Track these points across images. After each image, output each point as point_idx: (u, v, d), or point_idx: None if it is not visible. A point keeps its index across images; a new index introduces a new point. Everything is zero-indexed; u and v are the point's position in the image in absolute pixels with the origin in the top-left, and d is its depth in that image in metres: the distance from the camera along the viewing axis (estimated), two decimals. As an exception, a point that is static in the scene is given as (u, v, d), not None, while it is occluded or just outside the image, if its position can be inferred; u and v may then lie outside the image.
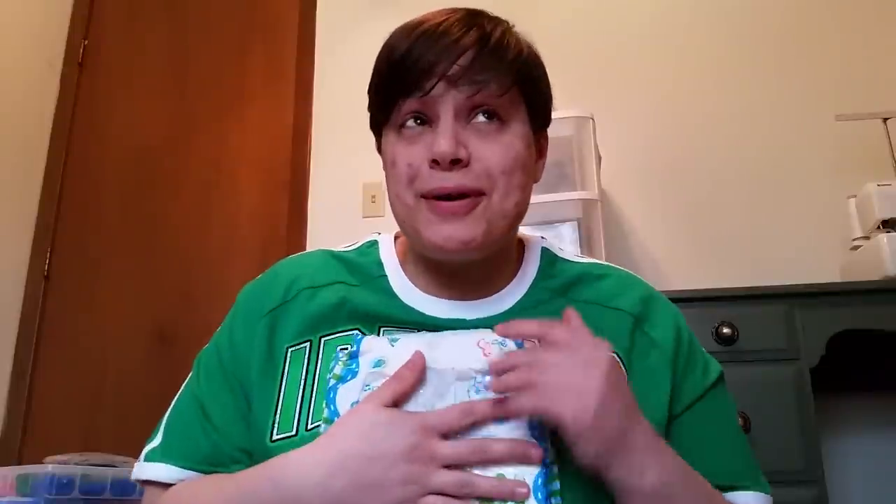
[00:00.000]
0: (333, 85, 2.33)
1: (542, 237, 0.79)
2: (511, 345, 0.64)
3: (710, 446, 0.68)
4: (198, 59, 2.44)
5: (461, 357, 0.63)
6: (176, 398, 0.75)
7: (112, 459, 1.37)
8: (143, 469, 0.71)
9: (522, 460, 0.58)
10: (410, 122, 0.67)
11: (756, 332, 1.44)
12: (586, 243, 1.72)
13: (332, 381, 0.64)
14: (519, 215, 0.69)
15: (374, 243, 0.78)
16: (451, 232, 0.65)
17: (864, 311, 1.45)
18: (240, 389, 0.71)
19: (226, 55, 2.42)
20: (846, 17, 2.10)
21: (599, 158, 1.79)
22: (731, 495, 0.67)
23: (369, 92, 0.72)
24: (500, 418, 0.59)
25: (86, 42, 2.55)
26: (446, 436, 0.59)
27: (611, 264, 0.78)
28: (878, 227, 1.65)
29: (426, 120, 0.67)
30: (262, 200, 2.25)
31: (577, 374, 0.58)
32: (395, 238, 0.79)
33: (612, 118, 2.00)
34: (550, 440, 0.60)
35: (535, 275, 0.74)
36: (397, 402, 0.60)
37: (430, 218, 0.66)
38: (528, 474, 0.58)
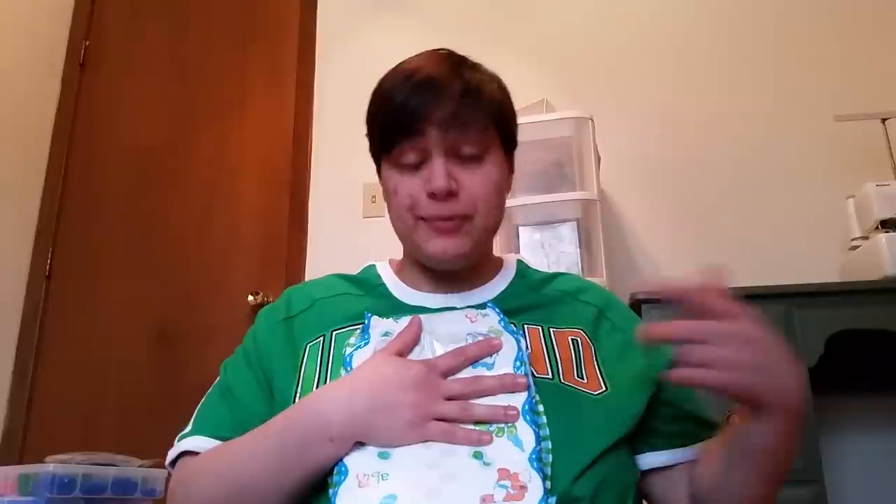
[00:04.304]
0: (334, 85, 2.34)
1: (518, 254, 0.95)
2: (492, 314, 0.77)
3: (686, 398, 0.81)
4: (199, 59, 2.45)
5: (453, 325, 0.76)
6: (204, 397, 0.84)
7: (113, 459, 1.37)
8: (174, 449, 0.78)
9: (511, 389, 0.68)
10: (408, 160, 0.79)
11: (755, 331, 1.44)
12: (585, 243, 1.72)
13: (349, 350, 0.75)
14: (497, 227, 0.85)
15: (372, 265, 0.93)
16: (446, 246, 0.79)
17: (863, 310, 1.45)
18: (262, 375, 0.80)
19: (227, 55, 2.43)
20: (845, 17, 2.10)
21: (599, 159, 1.80)
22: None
23: (368, 129, 0.84)
24: (489, 363, 0.70)
25: (87, 42, 2.56)
26: (446, 376, 0.70)
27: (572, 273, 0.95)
28: (877, 227, 1.65)
29: (420, 156, 0.79)
30: (262, 200, 2.25)
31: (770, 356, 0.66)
32: (389, 262, 0.92)
33: (611, 118, 2.00)
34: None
35: (513, 275, 0.89)
36: (401, 355, 0.71)
37: (429, 234, 0.80)
38: (517, 401, 0.67)
